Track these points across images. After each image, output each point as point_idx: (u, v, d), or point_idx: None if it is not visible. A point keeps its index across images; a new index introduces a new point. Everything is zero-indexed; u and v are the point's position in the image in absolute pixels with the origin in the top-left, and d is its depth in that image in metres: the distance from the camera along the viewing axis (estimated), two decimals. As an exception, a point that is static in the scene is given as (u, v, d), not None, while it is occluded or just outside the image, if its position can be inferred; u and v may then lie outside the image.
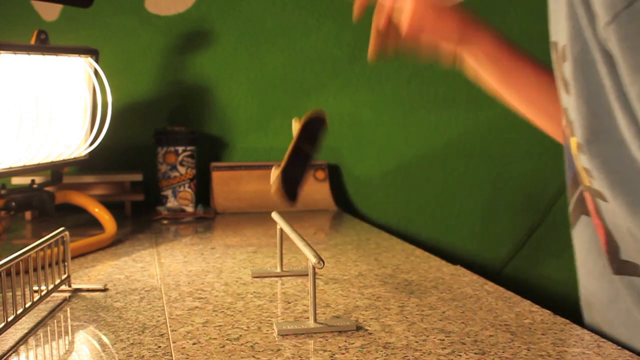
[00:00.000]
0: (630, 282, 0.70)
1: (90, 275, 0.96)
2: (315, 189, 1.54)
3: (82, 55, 1.14)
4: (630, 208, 0.66)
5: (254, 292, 0.85)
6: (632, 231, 0.68)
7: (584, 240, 0.77)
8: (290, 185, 0.96)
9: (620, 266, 0.71)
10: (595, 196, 0.72)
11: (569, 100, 0.70)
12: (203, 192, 1.54)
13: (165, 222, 1.37)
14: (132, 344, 0.67)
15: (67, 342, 0.70)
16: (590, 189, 0.72)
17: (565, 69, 0.69)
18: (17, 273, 0.70)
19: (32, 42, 1.06)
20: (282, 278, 0.92)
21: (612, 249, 0.72)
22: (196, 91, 1.57)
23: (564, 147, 0.79)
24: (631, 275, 0.70)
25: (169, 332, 0.70)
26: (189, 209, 1.43)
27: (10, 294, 0.71)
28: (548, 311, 0.76)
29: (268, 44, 1.58)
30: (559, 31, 0.70)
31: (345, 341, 0.67)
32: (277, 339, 0.68)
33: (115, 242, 1.16)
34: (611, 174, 0.67)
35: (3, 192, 1.09)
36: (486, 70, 0.91)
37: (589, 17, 0.64)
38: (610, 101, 0.65)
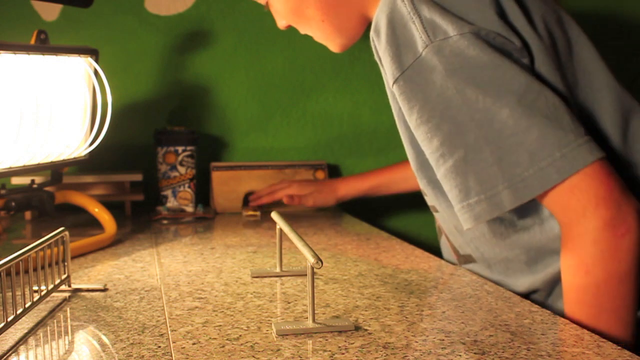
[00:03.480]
0: (471, 267, 1.04)
1: (90, 275, 0.96)
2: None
3: (82, 55, 1.14)
4: (450, 208, 0.94)
5: (254, 292, 0.85)
6: (457, 228, 0.99)
7: (445, 252, 1.12)
8: None
9: (461, 259, 1.06)
10: (433, 211, 1.04)
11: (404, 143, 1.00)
12: (203, 192, 1.54)
13: (165, 222, 1.37)
14: (132, 344, 0.67)
15: (67, 342, 0.70)
16: (430, 207, 1.04)
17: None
18: (17, 273, 0.70)
19: (32, 42, 1.06)
20: (282, 278, 0.92)
21: (454, 249, 1.06)
22: (196, 91, 1.57)
23: None
24: (469, 263, 1.04)
25: (169, 332, 0.70)
26: (189, 209, 1.43)
27: (10, 294, 0.71)
28: (548, 311, 0.76)
29: (268, 44, 1.58)
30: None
31: (345, 341, 0.67)
32: (276, 339, 0.68)
33: (115, 242, 1.16)
34: (435, 187, 0.96)
35: (3, 192, 1.09)
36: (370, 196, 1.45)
37: (386, 82, 0.92)
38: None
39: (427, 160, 0.94)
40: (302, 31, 1.10)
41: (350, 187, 1.44)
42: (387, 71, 0.88)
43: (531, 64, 0.85)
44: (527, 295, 0.96)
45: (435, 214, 1.05)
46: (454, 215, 0.93)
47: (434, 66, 0.82)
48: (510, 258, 0.96)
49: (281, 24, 1.12)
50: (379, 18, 0.89)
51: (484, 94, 0.80)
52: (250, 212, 1.41)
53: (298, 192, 1.42)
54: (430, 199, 1.02)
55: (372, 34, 0.91)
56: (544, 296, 0.95)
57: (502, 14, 0.85)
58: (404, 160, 1.53)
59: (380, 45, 0.89)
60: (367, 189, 1.44)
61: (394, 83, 0.87)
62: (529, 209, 0.90)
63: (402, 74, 0.85)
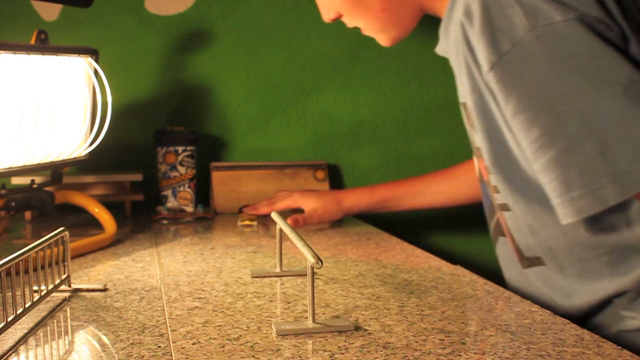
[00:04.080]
0: (536, 270, 0.99)
1: (90, 275, 0.96)
2: (315, 189, 1.54)
3: (82, 55, 1.14)
4: (527, 205, 0.92)
5: (254, 292, 0.85)
6: (531, 227, 0.95)
7: (503, 254, 1.08)
8: None
9: (525, 262, 1.00)
10: (503, 210, 0.98)
11: (477, 136, 0.95)
12: (203, 192, 1.54)
13: (165, 222, 1.37)
14: (132, 344, 0.67)
15: (67, 342, 0.70)
16: (500, 205, 0.99)
17: (471, 116, 0.94)
18: (17, 273, 0.70)
19: (32, 42, 1.06)
20: (282, 278, 0.92)
21: (519, 252, 1.01)
22: (196, 91, 1.57)
23: (480, 184, 1.08)
24: (535, 266, 0.99)
25: (169, 332, 0.70)
26: (189, 209, 1.43)
27: (10, 294, 0.71)
28: (548, 311, 0.76)
29: (268, 43, 1.58)
30: (464, 91, 0.94)
31: (345, 341, 0.67)
32: (276, 339, 0.68)
33: (115, 242, 1.16)
34: (511, 183, 0.92)
35: (3, 192, 1.09)
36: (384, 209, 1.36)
37: (478, 69, 0.86)
38: (503, 131, 0.88)
39: (504, 155, 0.91)
40: (352, 24, 1.07)
41: (357, 200, 1.33)
42: (483, 57, 0.84)
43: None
44: (608, 300, 0.92)
45: (503, 213, 0.99)
46: (530, 213, 0.92)
47: (534, 53, 0.79)
48: (589, 259, 0.92)
49: (328, 15, 1.07)
50: (471, 1, 0.84)
51: (588, 83, 0.77)
52: (247, 222, 1.34)
53: (300, 204, 1.31)
54: (502, 196, 0.96)
55: (462, 18, 0.86)
56: (631, 298, 0.91)
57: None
58: (411, 164, 1.57)
59: (473, 30, 0.84)
60: (376, 202, 1.33)
61: (490, 69, 0.83)
62: (616, 206, 0.83)
63: (500, 60, 0.81)
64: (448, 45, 0.98)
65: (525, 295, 0.85)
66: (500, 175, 0.94)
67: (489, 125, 0.91)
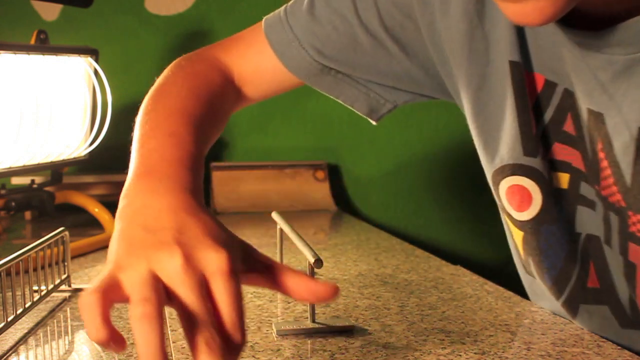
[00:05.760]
0: None
1: (90, 275, 0.96)
2: (315, 189, 1.54)
3: (82, 55, 1.14)
4: None
5: (254, 291, 0.85)
6: None
7: (590, 322, 0.74)
8: None
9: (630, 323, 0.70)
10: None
11: None
12: (203, 192, 1.54)
13: (165, 222, 1.37)
14: (132, 344, 0.67)
15: (67, 342, 0.70)
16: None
17: None
18: (17, 273, 0.70)
19: (32, 42, 1.06)
20: (282, 278, 0.92)
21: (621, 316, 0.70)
22: (196, 91, 1.57)
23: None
24: None
25: (169, 332, 0.70)
26: (189, 209, 1.42)
27: (10, 294, 0.71)
28: (548, 311, 0.76)
29: (268, 44, 1.58)
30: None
31: (345, 341, 0.67)
32: (276, 339, 0.68)
33: (115, 242, 1.16)
34: None
35: (3, 192, 1.09)
36: None
37: None
38: None
39: None
40: None
41: None
42: None
43: None
44: None
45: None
46: None
47: None
48: None
49: None
50: None
51: None
52: None
53: None
54: None
55: None
56: None
57: None
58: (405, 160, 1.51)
59: None
60: None
61: None
62: None
63: None
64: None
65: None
66: None
67: None
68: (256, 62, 0.82)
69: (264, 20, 0.82)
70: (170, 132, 0.64)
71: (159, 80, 0.76)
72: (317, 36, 0.78)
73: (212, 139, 0.75)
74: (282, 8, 0.81)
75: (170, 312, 0.77)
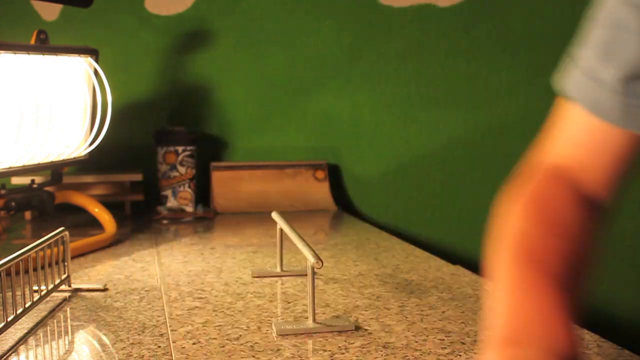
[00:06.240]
0: None
1: (90, 275, 0.96)
2: (315, 189, 1.54)
3: (82, 55, 1.14)
4: None
5: (254, 292, 0.85)
6: None
7: None
8: None
9: None
10: None
11: None
12: (203, 192, 1.54)
13: (165, 222, 1.37)
14: (132, 343, 0.67)
15: (67, 342, 0.70)
16: None
17: None
18: (17, 273, 0.70)
19: (32, 42, 1.06)
20: (282, 278, 0.92)
21: None
22: (196, 91, 1.57)
23: None
24: None
25: (169, 332, 0.70)
26: (189, 209, 1.43)
27: (10, 294, 0.71)
28: (548, 311, 0.76)
29: (268, 44, 1.58)
30: None
31: (345, 341, 0.67)
32: (276, 338, 0.68)
33: (115, 242, 1.16)
34: None
35: (3, 192, 1.09)
36: None
37: None
38: None
39: None
40: None
41: None
42: None
43: None
44: None
45: None
46: None
47: None
48: None
49: None
50: None
51: None
52: None
53: None
54: None
55: None
56: None
57: None
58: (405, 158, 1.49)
59: None
60: None
61: None
62: None
63: None
64: None
65: None
66: None
67: None
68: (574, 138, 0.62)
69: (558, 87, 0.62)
70: None
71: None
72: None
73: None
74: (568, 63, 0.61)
75: (170, 311, 0.77)
